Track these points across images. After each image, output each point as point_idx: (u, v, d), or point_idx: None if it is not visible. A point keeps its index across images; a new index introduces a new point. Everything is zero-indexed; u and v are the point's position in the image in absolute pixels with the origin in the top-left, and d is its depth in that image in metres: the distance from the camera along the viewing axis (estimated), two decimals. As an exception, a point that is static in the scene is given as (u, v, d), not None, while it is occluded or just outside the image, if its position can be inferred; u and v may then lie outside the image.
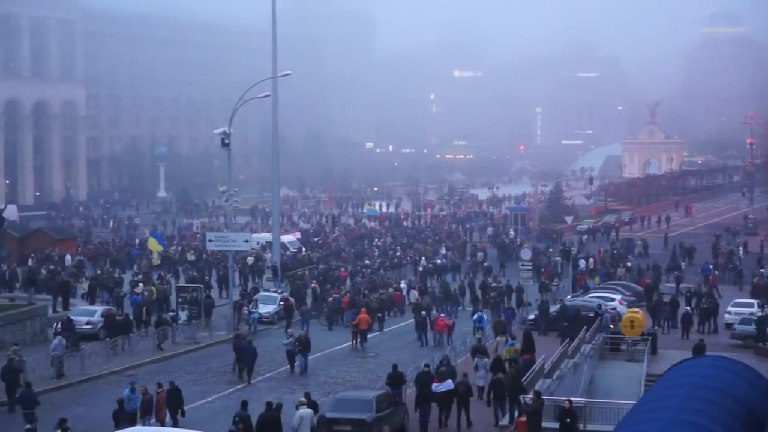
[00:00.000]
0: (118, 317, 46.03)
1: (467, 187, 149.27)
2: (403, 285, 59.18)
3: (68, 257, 66.08)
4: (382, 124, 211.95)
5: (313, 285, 57.80)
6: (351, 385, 38.40)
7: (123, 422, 28.65)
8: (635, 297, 55.43)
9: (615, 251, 75.36)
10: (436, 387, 32.13)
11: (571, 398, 28.78)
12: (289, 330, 40.67)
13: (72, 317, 45.96)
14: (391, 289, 57.20)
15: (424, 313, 48.29)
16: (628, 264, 68.56)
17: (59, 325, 42.29)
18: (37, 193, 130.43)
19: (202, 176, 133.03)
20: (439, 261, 70.50)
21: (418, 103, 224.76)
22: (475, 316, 47.67)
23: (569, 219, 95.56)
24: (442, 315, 48.47)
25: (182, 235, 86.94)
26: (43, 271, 58.75)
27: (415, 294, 56.04)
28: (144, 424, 29.24)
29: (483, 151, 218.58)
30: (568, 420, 27.64)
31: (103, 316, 46.30)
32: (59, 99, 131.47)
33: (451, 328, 46.34)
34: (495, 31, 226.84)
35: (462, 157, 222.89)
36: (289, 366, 40.36)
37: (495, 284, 57.83)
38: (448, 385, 32.10)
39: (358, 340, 46.56)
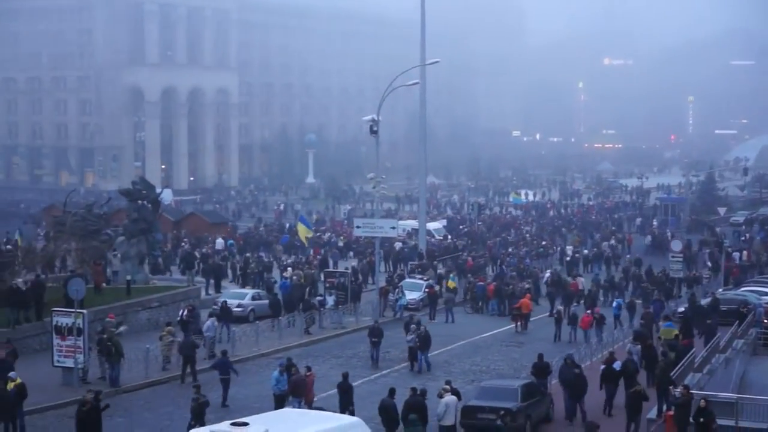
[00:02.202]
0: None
1: (615, 176, 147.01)
2: (547, 274, 58.83)
3: (220, 241, 67.74)
4: (530, 112, 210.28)
5: (439, 271, 57.99)
6: (495, 373, 38.32)
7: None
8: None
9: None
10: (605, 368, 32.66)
11: (708, 396, 28.02)
12: (412, 326, 40.11)
13: (224, 300, 47.68)
14: (570, 278, 56.96)
15: (560, 307, 47.55)
16: None
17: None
18: (191, 178, 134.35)
19: (350, 163, 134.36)
20: (586, 251, 69.69)
21: (566, 91, 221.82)
22: (615, 303, 47.46)
23: (722, 210, 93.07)
24: (588, 312, 46.56)
25: (331, 221, 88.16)
26: (197, 255, 60.46)
27: (581, 281, 55.71)
28: (292, 406, 29.82)
29: (632, 140, 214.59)
30: (701, 419, 26.87)
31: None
32: (213, 86, 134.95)
33: (600, 322, 44.75)
34: (647, 18, 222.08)
35: (611, 146, 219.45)
36: (409, 363, 38.89)
37: (661, 274, 56.83)
38: (617, 366, 32.44)
39: (520, 323, 47.30)
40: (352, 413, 28.26)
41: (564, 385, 31.87)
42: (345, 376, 31.08)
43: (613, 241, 73.61)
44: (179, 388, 35.22)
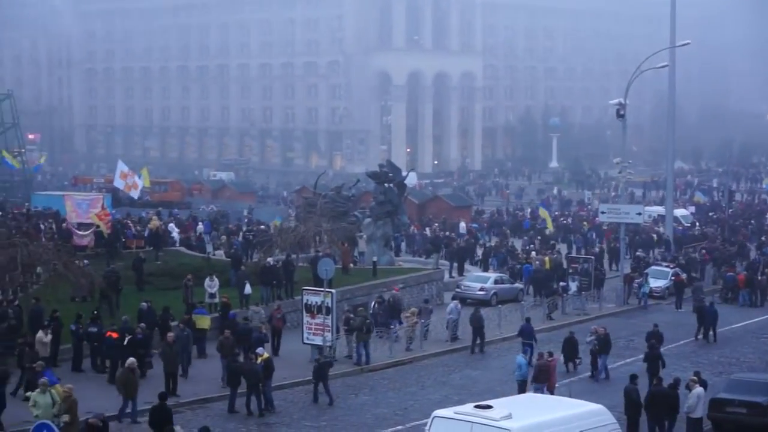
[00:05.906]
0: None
1: None
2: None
3: (463, 224, 68.25)
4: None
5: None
6: (746, 366, 37.01)
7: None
8: None
9: None
10: None
11: None
12: (592, 327, 37.67)
13: (466, 283, 48.30)
14: None
15: None
16: None
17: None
18: (435, 162, 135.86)
19: (594, 146, 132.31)
20: None
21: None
22: None
23: None
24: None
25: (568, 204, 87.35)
26: (442, 237, 61.16)
27: None
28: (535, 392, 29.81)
29: None
30: None
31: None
32: (458, 70, 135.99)
33: None
34: None
35: None
36: (591, 368, 35.61)
37: None
38: None
39: None
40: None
41: None
42: (652, 346, 32.98)
43: None
44: (420, 369, 35.95)
